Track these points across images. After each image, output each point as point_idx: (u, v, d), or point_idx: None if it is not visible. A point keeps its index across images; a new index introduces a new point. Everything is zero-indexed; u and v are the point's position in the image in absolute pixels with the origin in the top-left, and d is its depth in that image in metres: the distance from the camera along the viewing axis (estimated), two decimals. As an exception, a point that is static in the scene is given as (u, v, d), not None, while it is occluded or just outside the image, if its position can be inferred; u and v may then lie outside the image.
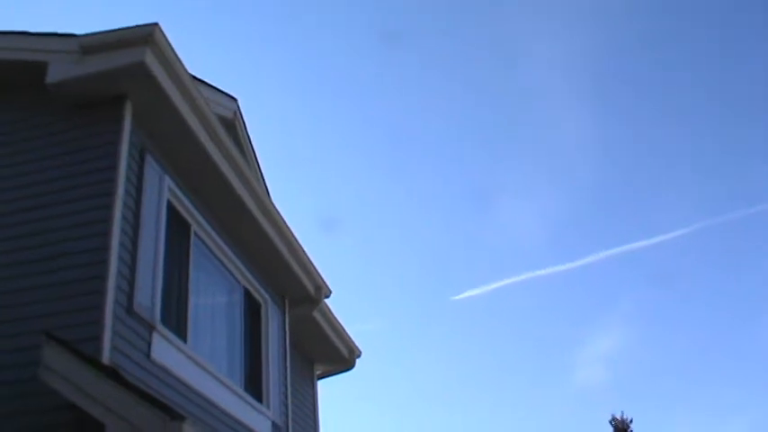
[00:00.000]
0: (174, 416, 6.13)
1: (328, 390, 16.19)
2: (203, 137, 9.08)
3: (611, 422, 52.23)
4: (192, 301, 9.28)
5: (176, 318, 8.89)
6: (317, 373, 15.02)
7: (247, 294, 11.07)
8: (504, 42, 32.03)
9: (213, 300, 10.41)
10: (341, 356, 14.78)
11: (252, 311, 11.21)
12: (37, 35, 8.73)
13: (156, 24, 8.04)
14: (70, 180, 8.13)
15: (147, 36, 8.03)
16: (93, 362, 6.76)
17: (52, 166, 8.31)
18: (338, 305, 14.06)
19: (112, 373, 6.70)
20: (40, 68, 8.40)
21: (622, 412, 52.33)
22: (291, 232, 11.37)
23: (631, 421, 52.12)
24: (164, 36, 8.12)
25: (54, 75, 8.29)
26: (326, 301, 13.19)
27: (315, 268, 12.22)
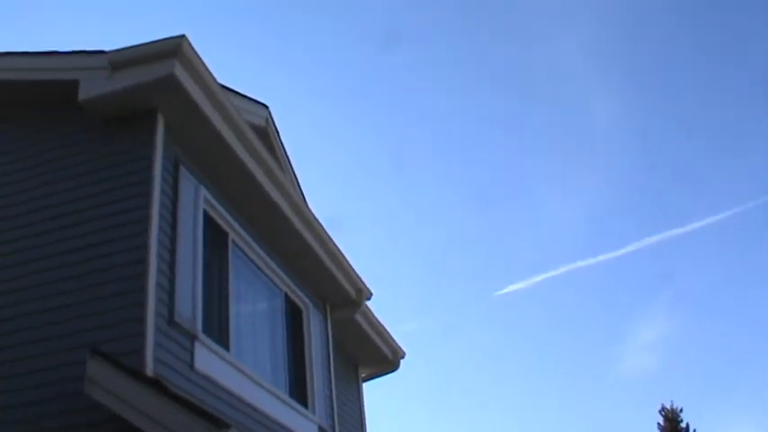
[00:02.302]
0: (220, 424, 6.16)
1: (375, 391, 16.24)
2: (236, 145, 9.12)
3: (660, 412, 51.94)
4: (233, 309, 9.32)
5: (218, 326, 8.94)
6: (362, 375, 15.03)
7: (288, 300, 11.11)
8: (529, 28, 31.88)
9: (254, 307, 10.47)
10: (385, 358, 14.79)
11: (293, 317, 11.25)
12: (66, 54, 8.82)
13: (183, 36, 8.09)
14: (107, 195, 8.21)
15: (176, 48, 8.08)
16: (137, 374, 6.82)
17: (88, 182, 8.39)
18: (380, 306, 14.09)
19: (156, 385, 6.75)
20: (71, 87, 8.49)
21: (672, 401, 51.95)
22: (329, 237, 11.39)
23: (681, 410, 51.75)
24: (191, 48, 8.17)
25: (85, 92, 8.37)
26: (368, 303, 13.20)
27: (354, 271, 12.23)
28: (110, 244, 7.88)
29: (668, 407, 51.57)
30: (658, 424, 51.31)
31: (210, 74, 8.48)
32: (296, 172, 12.33)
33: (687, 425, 50.92)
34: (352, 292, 12.43)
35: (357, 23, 31.71)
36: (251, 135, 9.33)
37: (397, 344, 14.78)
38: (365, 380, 15.20)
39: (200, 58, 8.29)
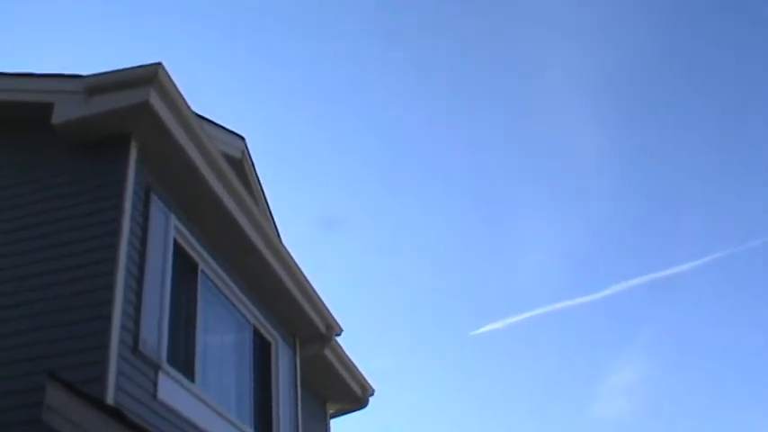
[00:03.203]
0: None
1: (343, 428, 16.05)
2: (209, 175, 9.08)
3: (632, 458, 51.88)
4: (200, 340, 9.23)
5: (184, 357, 8.83)
6: (330, 411, 14.89)
7: (257, 333, 11.01)
8: (516, 61, 31.94)
9: (222, 339, 10.35)
10: (353, 395, 14.66)
11: (262, 350, 11.14)
12: (42, 76, 8.79)
13: (159, 64, 8.08)
14: (76, 220, 8.12)
15: (152, 76, 8.06)
16: (97, 402, 6.71)
17: (59, 206, 8.30)
18: (352, 340, 13.98)
19: (116, 414, 6.64)
20: (45, 109, 8.44)
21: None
22: (301, 272, 11.33)
23: (653, 457, 51.70)
24: (167, 75, 8.15)
25: (60, 115, 8.32)
26: (338, 338, 13.12)
27: (325, 307, 12.16)
28: (76, 270, 7.77)
29: (639, 453, 51.55)
30: (629, 471, 51.24)
31: (185, 102, 8.45)
32: (270, 206, 12.27)
33: (657, 472, 50.88)
34: (323, 328, 12.35)
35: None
36: (224, 165, 9.29)
37: (366, 381, 14.67)
38: (333, 416, 15.05)
39: (175, 86, 8.26)
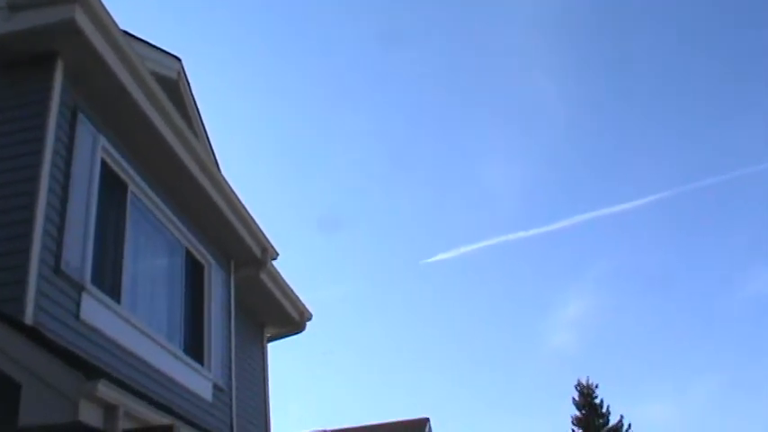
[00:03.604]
0: (90, 375, 6.09)
1: (288, 353, 16.20)
2: (138, 95, 8.97)
3: (576, 387, 52.96)
4: (129, 261, 9.22)
5: (110, 278, 8.83)
6: (267, 335, 15.00)
7: (189, 255, 11.00)
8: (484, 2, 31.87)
9: (153, 261, 10.35)
10: (291, 319, 14.76)
11: (194, 273, 11.16)
12: (-36, -9, 8.57)
13: (85, -19, 7.93)
14: (-1, 139, 8.03)
15: (77, -7, 7.91)
16: (12, 321, 6.71)
17: (-20, 124, 8.20)
18: (300, 269, 13.99)
19: (32, 333, 6.65)
20: (-33, 25, 8.26)
21: (588, 377, 52.98)
22: (235, 194, 11.30)
23: (597, 386, 52.81)
24: (94, -7, 8.01)
25: (-19, 31, 8.16)
26: (275, 264, 13.18)
27: (260, 230, 12.17)
28: (-4, 189, 7.71)
29: (584, 382, 52.65)
30: (573, 398, 52.35)
31: (113, 21, 8.32)
32: (206, 126, 12.15)
33: (602, 401, 52.04)
34: (258, 251, 12.37)
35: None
36: (155, 85, 9.18)
37: (303, 305, 14.76)
38: (270, 339, 15.17)
39: (102, 5, 8.13)
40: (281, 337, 15.36)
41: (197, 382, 10.27)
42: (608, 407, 51.56)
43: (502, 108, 38.67)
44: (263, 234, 12.28)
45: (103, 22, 8.20)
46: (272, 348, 15.15)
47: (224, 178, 10.98)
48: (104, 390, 6.04)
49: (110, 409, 6.19)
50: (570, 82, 36.86)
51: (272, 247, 12.65)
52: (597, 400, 51.87)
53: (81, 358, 6.95)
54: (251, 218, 11.83)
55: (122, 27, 8.65)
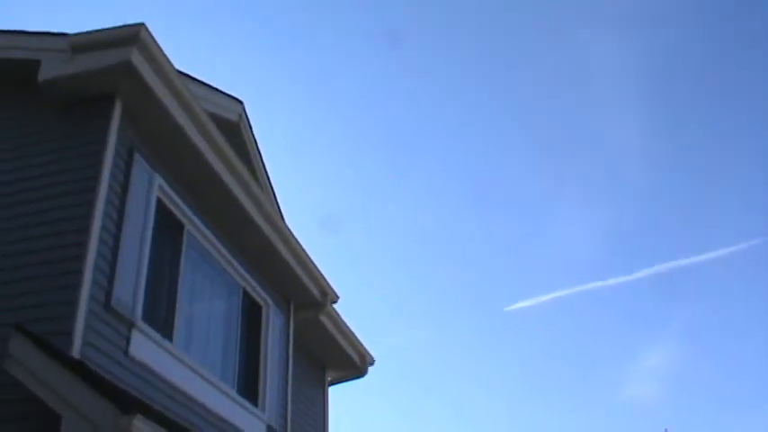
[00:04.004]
0: (127, 410, 6.14)
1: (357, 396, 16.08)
2: (195, 136, 9.11)
3: (659, 438, 51.68)
4: (183, 300, 9.32)
5: (163, 316, 8.93)
6: (329, 378, 15.00)
7: (247, 296, 11.08)
8: (555, 28, 31.67)
9: (209, 301, 10.44)
10: (352, 363, 14.76)
11: (252, 313, 11.22)
12: (30, 33, 8.85)
13: (141, 24, 8.13)
14: (56, 176, 8.22)
15: (134, 35, 8.11)
16: (58, 355, 6.81)
17: (40, 162, 8.41)
18: (378, 312, 13.97)
19: (77, 366, 6.74)
20: (32, 66, 8.52)
21: (666, 430, 51.70)
22: (294, 236, 11.38)
23: (680, 439, 51.47)
24: (150, 35, 8.20)
25: (46, 72, 8.40)
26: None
27: (320, 273, 12.21)
28: (52, 224, 7.87)
29: (668, 433, 51.37)
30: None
31: (168, 61, 8.49)
32: (267, 169, 12.30)
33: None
34: (317, 294, 12.41)
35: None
36: (211, 126, 9.32)
37: (365, 349, 14.75)
38: (333, 383, 15.16)
39: (158, 46, 8.31)
40: (343, 381, 15.37)
41: (249, 422, 10.28)
42: (689, 462, 50.19)
43: (582, 153, 38.36)
44: (323, 277, 12.33)
45: (158, 62, 8.38)
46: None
47: (283, 220, 11.07)
48: (140, 425, 6.08)
49: (146, 444, 6.23)
50: (654, 125, 36.43)
51: (333, 290, 12.68)
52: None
53: (121, 392, 7.00)
54: (310, 261, 11.89)
55: (187, 70, 8.86)
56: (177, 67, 8.73)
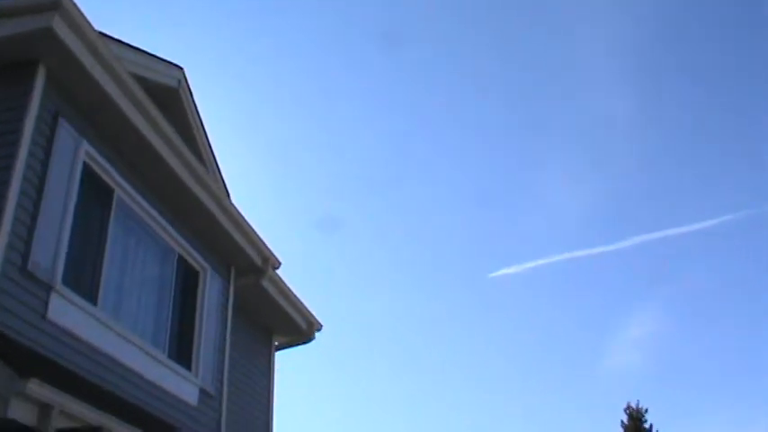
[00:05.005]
0: (24, 373, 6.24)
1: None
2: (121, 100, 9.12)
3: (625, 410, 52.13)
4: (111, 264, 9.39)
5: (89, 280, 9.01)
6: (276, 344, 15.13)
7: (182, 261, 11.15)
8: (547, 19, 31.80)
9: (142, 266, 10.49)
10: (298, 328, 14.86)
11: (188, 279, 11.30)
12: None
13: (62, -10, 8.14)
14: (-24, 142, 8.26)
15: (55, 2, 8.12)
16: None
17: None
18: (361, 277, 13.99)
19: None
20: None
21: (638, 401, 52.09)
22: (231, 203, 11.44)
23: (646, 411, 51.85)
24: (72, 2, 8.21)
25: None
26: (283, 273, 13.35)
27: (260, 239, 12.29)
28: (-33, 189, 7.92)
29: (634, 406, 51.77)
30: (621, 422, 51.50)
31: (92, 27, 8.49)
32: (208, 134, 12.28)
33: (651, 426, 51.08)
34: (258, 260, 12.50)
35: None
36: (136, 88, 9.30)
37: (312, 315, 14.86)
38: (280, 348, 15.29)
39: (80, 11, 8.31)
40: (292, 346, 15.48)
41: (180, 385, 10.40)
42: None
43: (567, 124, 38.47)
44: (264, 243, 12.41)
45: (81, 28, 8.37)
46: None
47: (220, 187, 11.12)
48: (36, 388, 6.19)
49: (44, 408, 6.33)
50: (642, 97, 36.52)
51: (274, 255, 12.77)
52: (646, 425, 50.97)
53: (24, 356, 7.09)
54: (249, 227, 11.95)
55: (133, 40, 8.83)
56: (122, 38, 8.73)
